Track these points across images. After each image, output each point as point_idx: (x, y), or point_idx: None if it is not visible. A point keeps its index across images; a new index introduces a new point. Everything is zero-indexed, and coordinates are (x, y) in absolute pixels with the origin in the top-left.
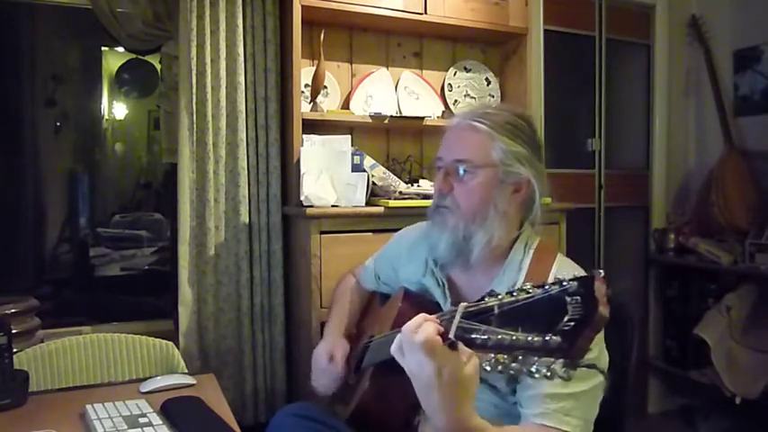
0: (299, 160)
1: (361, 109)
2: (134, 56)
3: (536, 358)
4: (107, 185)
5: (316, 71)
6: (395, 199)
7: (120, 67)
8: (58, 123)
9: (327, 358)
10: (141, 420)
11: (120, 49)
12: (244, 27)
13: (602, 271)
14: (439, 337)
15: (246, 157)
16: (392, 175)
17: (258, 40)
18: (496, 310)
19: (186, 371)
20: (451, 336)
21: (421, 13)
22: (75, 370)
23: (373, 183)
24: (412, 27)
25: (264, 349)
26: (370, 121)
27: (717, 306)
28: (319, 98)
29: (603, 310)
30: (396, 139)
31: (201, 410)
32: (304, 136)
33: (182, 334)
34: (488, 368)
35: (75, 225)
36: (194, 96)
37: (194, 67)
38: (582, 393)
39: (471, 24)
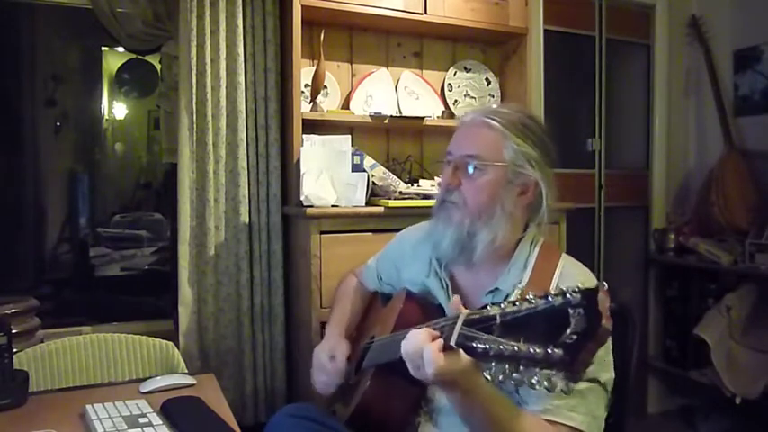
0: (299, 160)
1: (361, 109)
2: (134, 56)
3: (537, 370)
4: (107, 185)
5: (316, 71)
6: (395, 199)
7: (120, 67)
8: (58, 123)
9: (329, 357)
10: (141, 420)
11: (120, 49)
12: (244, 27)
13: (605, 283)
14: (443, 359)
15: (246, 157)
16: (392, 175)
17: (258, 40)
18: (498, 320)
19: (186, 371)
20: (453, 343)
21: (421, 13)
22: (75, 370)
23: (373, 183)
24: (412, 27)
25: (264, 349)
26: (370, 121)
27: (717, 306)
28: (319, 98)
29: (606, 323)
30: (396, 139)
31: (201, 410)
32: (304, 136)
33: (182, 334)
34: (489, 377)
35: (75, 225)
36: (194, 96)
37: (194, 67)
38: (588, 390)
39: (471, 24)
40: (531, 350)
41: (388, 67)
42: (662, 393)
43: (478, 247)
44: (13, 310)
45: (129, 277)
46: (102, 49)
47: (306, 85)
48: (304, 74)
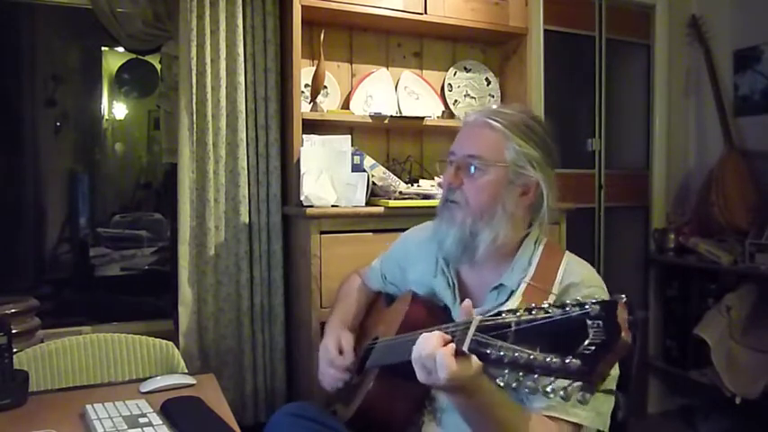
0: (299, 160)
1: (361, 109)
2: (134, 56)
3: (552, 379)
4: (107, 185)
5: (316, 71)
6: (395, 199)
7: (120, 67)
8: (58, 123)
9: (336, 350)
10: (141, 420)
11: (120, 49)
12: (244, 27)
13: (624, 296)
14: (456, 365)
15: (246, 157)
16: (392, 175)
17: (258, 40)
18: (513, 327)
19: (186, 371)
20: (465, 349)
21: (421, 13)
22: (75, 370)
23: (373, 183)
24: (412, 27)
25: (264, 349)
26: (370, 121)
27: (717, 306)
28: (319, 98)
29: (626, 336)
30: (396, 139)
31: (201, 410)
32: (304, 136)
33: (182, 334)
34: (501, 384)
35: (75, 225)
36: (194, 96)
37: (194, 67)
38: None
39: (471, 24)
40: (548, 359)
41: (388, 67)
42: (662, 393)
43: (481, 246)
44: (13, 310)
45: (129, 277)
46: (102, 49)
47: (306, 85)
48: (304, 74)
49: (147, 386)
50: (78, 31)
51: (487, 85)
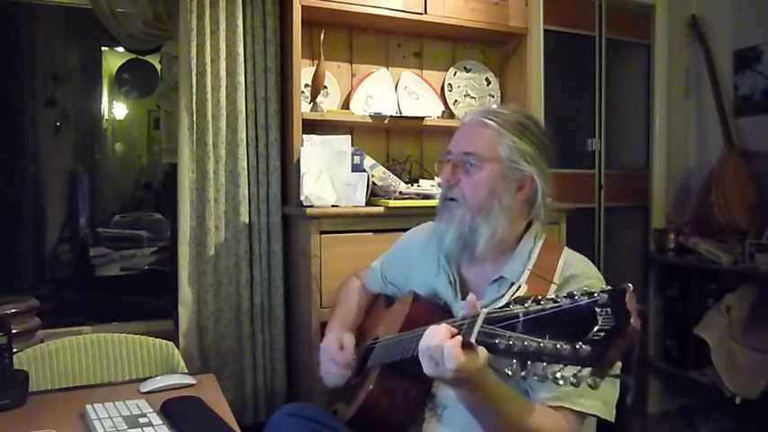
0: (299, 160)
1: (361, 109)
2: (134, 56)
3: (562, 366)
4: (107, 185)
5: (316, 71)
6: (395, 199)
7: (120, 67)
8: (58, 123)
9: (337, 346)
10: (141, 420)
11: (120, 49)
12: (244, 27)
13: (630, 285)
14: (464, 356)
15: (246, 157)
16: (392, 175)
17: (258, 40)
18: (522, 318)
19: (186, 371)
20: (473, 340)
21: (421, 13)
22: (75, 370)
23: (373, 183)
24: (412, 27)
25: (264, 349)
26: (370, 121)
27: (717, 306)
28: (319, 98)
29: (635, 322)
30: (396, 139)
31: (201, 410)
32: (304, 136)
33: (182, 334)
34: (510, 373)
35: (75, 225)
36: (194, 96)
37: (194, 67)
38: None
39: (471, 24)
40: (558, 346)
41: (388, 67)
42: (662, 393)
43: (480, 241)
44: (13, 310)
45: (129, 277)
46: (102, 49)
47: (306, 85)
48: (304, 74)
49: (147, 386)
50: (78, 31)
51: (487, 85)
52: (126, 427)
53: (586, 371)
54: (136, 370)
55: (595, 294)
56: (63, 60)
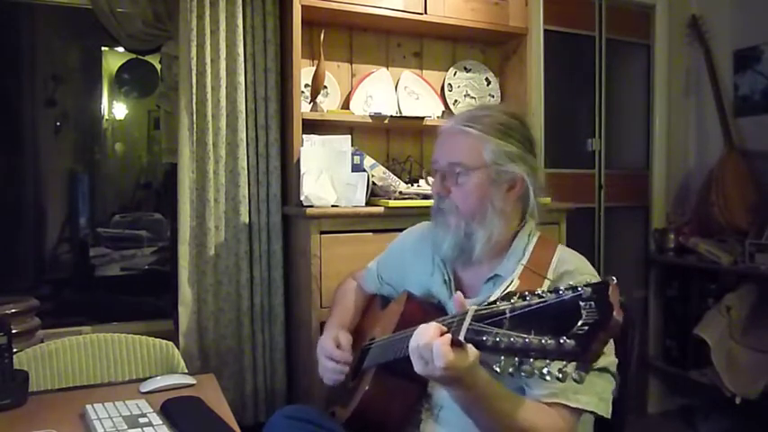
0: (299, 160)
1: (361, 109)
2: (134, 56)
3: (548, 361)
4: (107, 185)
5: (316, 71)
6: (395, 199)
7: (120, 67)
8: (58, 123)
9: (334, 344)
10: (141, 420)
11: (120, 49)
12: (244, 27)
13: (615, 278)
14: (452, 354)
15: (246, 157)
16: (392, 175)
17: (258, 40)
18: (508, 314)
19: (186, 371)
20: (461, 338)
21: (421, 13)
22: (75, 370)
23: (373, 183)
24: (412, 27)
25: (264, 349)
26: (370, 121)
27: (717, 306)
28: (319, 98)
29: (618, 315)
30: (396, 139)
31: (201, 410)
32: (304, 136)
33: (182, 334)
34: (498, 370)
35: (75, 225)
36: (194, 96)
37: (194, 67)
38: (592, 374)
39: (471, 24)
40: (543, 341)
41: (388, 67)
42: (662, 393)
43: (477, 246)
44: (13, 310)
45: (129, 277)
46: (102, 49)
47: (306, 85)
48: (304, 74)
49: (147, 386)
50: (78, 31)
51: (487, 85)
52: (126, 427)
53: (571, 365)
54: (136, 370)
55: (579, 288)
56: (63, 60)
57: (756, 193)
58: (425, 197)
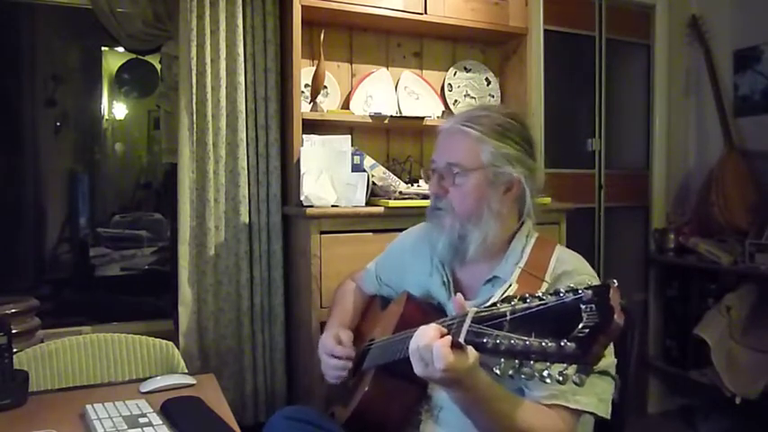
0: (299, 160)
1: (361, 109)
2: (134, 56)
3: (548, 363)
4: (107, 185)
5: (316, 71)
6: (395, 199)
7: (120, 67)
8: (58, 123)
9: (335, 341)
10: (141, 420)
11: (120, 49)
12: (244, 27)
13: (615, 281)
14: (452, 356)
15: (246, 157)
16: (392, 175)
17: (258, 40)
18: (509, 316)
19: (186, 371)
20: (461, 339)
21: (421, 13)
22: (75, 370)
23: (373, 183)
24: (412, 27)
25: (264, 349)
26: (370, 121)
27: (717, 306)
28: (319, 98)
29: (619, 318)
30: (396, 139)
31: (201, 410)
32: (304, 136)
33: (182, 334)
34: (498, 372)
35: (75, 225)
36: (194, 96)
37: (194, 67)
38: (592, 375)
39: (471, 24)
40: (544, 344)
41: (388, 67)
42: (662, 393)
43: (470, 247)
44: (13, 310)
45: (129, 277)
46: (102, 49)
47: (306, 85)
48: (304, 74)
49: (147, 386)
50: (78, 31)
51: (487, 85)
52: (126, 427)
53: (572, 368)
54: (136, 370)
55: (580, 291)
56: (63, 60)
57: (756, 193)
58: (425, 197)
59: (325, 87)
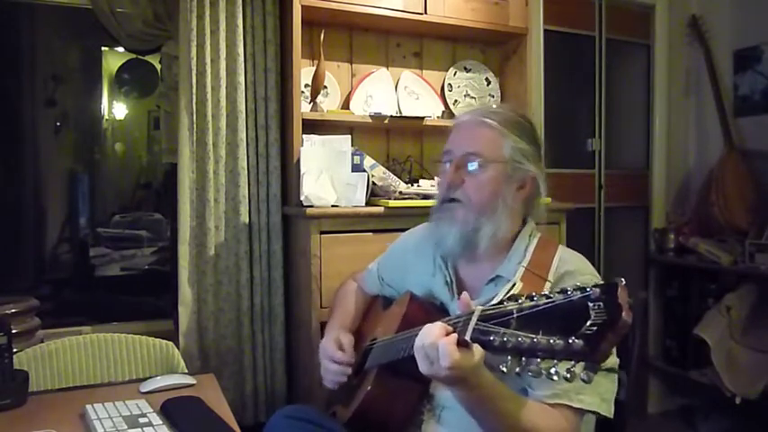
0: (299, 160)
1: (361, 109)
2: (134, 56)
3: (555, 361)
4: (107, 185)
5: (316, 71)
6: (395, 199)
7: (120, 67)
8: (58, 123)
9: (336, 346)
10: (141, 420)
11: (120, 49)
12: (244, 27)
13: (623, 279)
14: (458, 353)
15: (246, 157)
16: (392, 175)
17: (258, 40)
18: (516, 314)
19: (186, 371)
20: (467, 337)
21: (421, 13)
22: (75, 370)
23: (373, 183)
24: (412, 27)
25: (264, 349)
26: (370, 121)
27: (717, 306)
28: (319, 98)
29: (627, 316)
30: (396, 139)
31: (201, 410)
32: (304, 136)
33: (182, 334)
34: (505, 370)
35: (75, 225)
36: (194, 96)
37: (194, 67)
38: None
39: (471, 24)
40: (552, 341)
41: (388, 67)
42: (662, 393)
43: (482, 240)
44: (13, 310)
45: (129, 277)
46: (102, 49)
47: (306, 85)
48: (304, 74)
49: (147, 386)
50: (78, 31)
51: (487, 85)
52: (126, 427)
53: (580, 365)
54: (136, 370)
55: (588, 289)
56: (63, 60)
57: (756, 193)
58: (425, 197)
59: (326, 87)
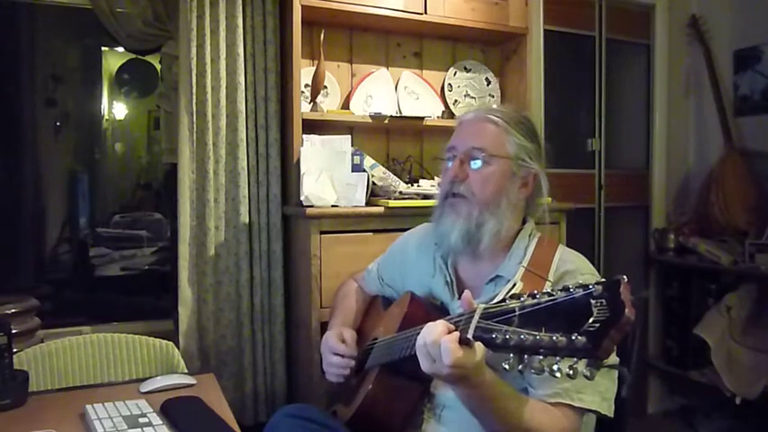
0: (299, 160)
1: (361, 109)
2: (134, 56)
3: (558, 358)
4: (107, 185)
5: (316, 71)
6: (395, 199)
7: (120, 67)
8: (58, 123)
9: (338, 340)
10: (141, 420)
11: (120, 49)
12: (244, 27)
13: (625, 277)
14: (460, 351)
15: (246, 157)
16: (392, 175)
17: (258, 40)
18: (518, 312)
19: (186, 371)
20: (470, 335)
21: (421, 13)
22: (75, 370)
23: (373, 183)
24: (412, 27)
25: (264, 349)
26: (370, 121)
27: (717, 306)
28: (319, 98)
29: (630, 313)
30: (396, 139)
31: (201, 410)
32: (304, 136)
33: (182, 334)
34: (507, 367)
35: (75, 225)
36: (194, 96)
37: (194, 67)
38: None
39: (471, 24)
40: (554, 338)
41: (388, 67)
42: (662, 393)
43: (485, 237)
44: (13, 310)
45: (129, 277)
46: (102, 49)
47: (306, 85)
48: (304, 74)
49: (147, 386)
50: (78, 31)
51: (487, 85)
52: (126, 427)
53: (582, 362)
54: (136, 370)
55: (590, 286)
56: (63, 60)
57: (756, 193)
58: (425, 197)
59: (326, 87)
